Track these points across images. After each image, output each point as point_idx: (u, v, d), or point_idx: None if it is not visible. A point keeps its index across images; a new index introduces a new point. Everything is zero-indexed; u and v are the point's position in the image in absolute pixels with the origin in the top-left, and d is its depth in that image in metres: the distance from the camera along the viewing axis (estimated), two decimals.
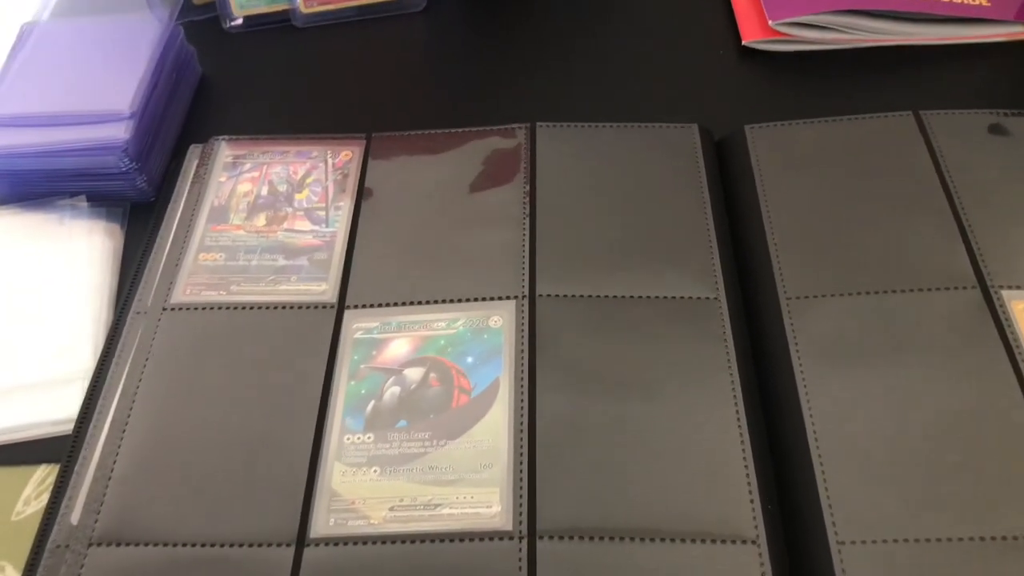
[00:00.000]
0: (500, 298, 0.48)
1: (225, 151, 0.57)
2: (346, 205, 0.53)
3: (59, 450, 0.46)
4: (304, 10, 0.69)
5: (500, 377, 0.45)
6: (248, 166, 0.56)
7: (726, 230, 0.52)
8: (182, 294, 0.50)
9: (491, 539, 0.40)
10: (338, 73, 0.67)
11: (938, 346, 0.45)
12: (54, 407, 0.48)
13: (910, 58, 0.63)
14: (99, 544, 0.41)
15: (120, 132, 0.55)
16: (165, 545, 0.41)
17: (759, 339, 0.47)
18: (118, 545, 0.41)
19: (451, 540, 0.40)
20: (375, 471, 0.42)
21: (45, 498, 0.45)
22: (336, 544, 0.40)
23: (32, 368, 0.49)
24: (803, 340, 0.46)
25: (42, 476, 0.46)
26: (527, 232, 0.51)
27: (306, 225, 0.52)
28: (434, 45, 0.69)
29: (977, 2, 0.64)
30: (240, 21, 0.69)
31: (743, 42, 0.65)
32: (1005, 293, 0.46)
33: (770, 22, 0.63)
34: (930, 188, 0.51)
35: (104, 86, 0.57)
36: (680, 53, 0.66)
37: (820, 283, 0.48)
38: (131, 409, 0.45)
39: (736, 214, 0.53)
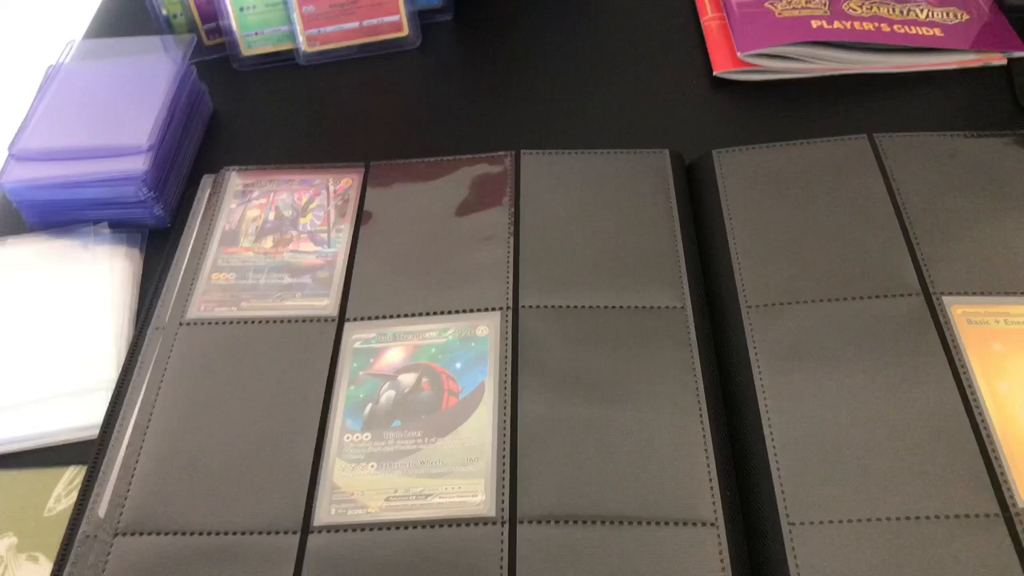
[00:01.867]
0: (486, 309, 0.53)
1: (235, 180, 0.62)
2: (346, 228, 0.58)
3: (86, 453, 0.50)
4: (307, 49, 0.74)
5: (485, 381, 0.50)
6: (256, 194, 0.61)
7: (694, 245, 0.56)
8: (197, 310, 0.54)
9: (476, 524, 0.44)
10: (339, 107, 0.72)
11: (884, 348, 0.49)
12: (81, 414, 0.52)
13: (869, 85, 0.68)
14: (124, 534, 0.45)
15: (139, 164, 0.60)
16: (183, 534, 0.45)
17: (722, 343, 0.52)
18: (141, 534, 0.45)
19: (440, 526, 0.44)
20: (372, 466, 0.47)
21: (74, 496, 0.49)
22: (337, 531, 0.45)
23: (60, 380, 0.54)
24: (761, 344, 0.50)
25: (71, 476, 0.50)
26: (511, 249, 0.55)
27: (310, 247, 0.57)
28: (428, 80, 0.74)
29: (932, 32, 0.68)
30: (250, 60, 0.75)
31: (714, 73, 0.70)
32: (946, 299, 0.51)
33: (739, 53, 0.68)
34: (880, 204, 0.56)
35: (123, 122, 0.62)
36: (656, 83, 0.71)
37: (778, 292, 0.52)
38: (151, 414, 0.50)
39: (703, 230, 0.57)
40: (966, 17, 0.70)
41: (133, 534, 0.45)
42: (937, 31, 0.68)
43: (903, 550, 0.42)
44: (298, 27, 0.73)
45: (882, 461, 0.45)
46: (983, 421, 0.45)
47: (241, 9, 0.72)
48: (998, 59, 0.68)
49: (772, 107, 0.67)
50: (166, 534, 0.45)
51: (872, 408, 0.47)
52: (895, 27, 0.68)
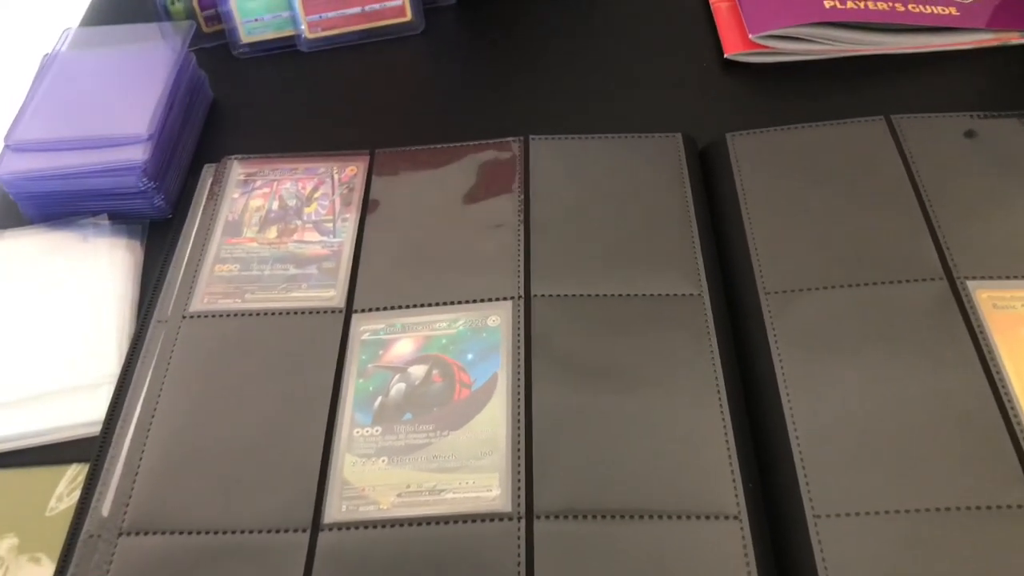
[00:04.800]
0: (497, 299, 0.51)
1: (238, 169, 0.61)
2: (352, 217, 0.57)
3: (88, 450, 0.49)
4: (309, 35, 0.72)
5: (498, 372, 0.48)
6: (259, 183, 0.59)
7: (709, 231, 0.55)
8: (200, 303, 0.53)
9: (491, 520, 0.43)
10: (342, 94, 0.70)
11: (907, 334, 0.48)
12: (82, 411, 0.51)
13: (883, 66, 0.66)
14: (128, 534, 0.44)
15: (138, 154, 0.58)
16: (190, 533, 0.44)
17: (741, 332, 0.50)
18: (146, 534, 0.44)
19: (454, 522, 0.43)
20: (383, 461, 0.46)
21: (76, 495, 0.48)
22: (348, 528, 0.43)
23: (60, 375, 0.53)
24: (781, 331, 0.49)
25: (73, 475, 0.49)
26: (522, 237, 0.54)
27: (315, 236, 0.56)
28: (433, 65, 0.72)
29: (947, 11, 0.67)
30: (250, 47, 0.73)
31: (725, 55, 0.68)
32: (971, 283, 0.49)
33: (750, 35, 0.67)
34: (900, 187, 0.54)
35: (122, 111, 0.61)
36: (667, 67, 0.69)
37: (797, 278, 0.51)
38: (155, 409, 0.48)
39: (719, 216, 0.56)
40: None
41: (138, 534, 0.44)
42: (952, 10, 0.67)
43: (932, 542, 0.41)
44: (299, 13, 0.71)
45: (909, 451, 0.43)
46: (1012, 408, 0.44)
47: None
48: (1015, 38, 0.66)
49: (785, 90, 0.66)
50: (172, 533, 0.44)
51: (897, 396, 0.45)
52: (909, 6, 0.67)
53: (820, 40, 0.66)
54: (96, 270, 0.58)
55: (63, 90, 0.63)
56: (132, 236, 0.60)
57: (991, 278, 0.49)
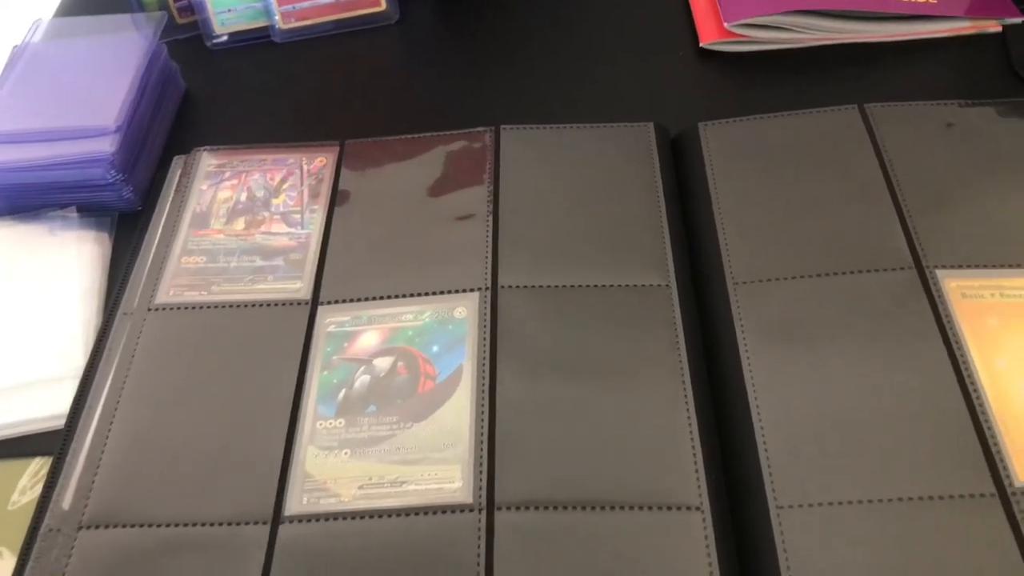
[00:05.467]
0: (465, 291, 0.51)
1: (207, 161, 0.60)
2: (320, 208, 0.56)
3: (53, 444, 0.48)
4: (282, 26, 0.72)
5: (463, 364, 0.48)
6: (228, 174, 0.59)
7: (679, 221, 0.54)
8: (165, 295, 0.53)
9: (453, 512, 0.43)
10: (316, 85, 0.70)
11: (874, 324, 0.47)
12: (47, 404, 0.50)
13: (860, 55, 0.66)
14: (88, 527, 0.44)
15: (106, 146, 0.58)
16: (150, 526, 0.44)
17: (708, 322, 0.50)
18: (106, 527, 0.44)
19: (415, 514, 0.43)
20: (346, 453, 0.45)
21: (40, 488, 0.47)
22: (309, 521, 0.43)
23: (27, 369, 0.52)
24: (748, 321, 0.48)
25: (36, 468, 0.49)
26: (490, 228, 0.54)
27: (282, 228, 0.55)
28: (407, 55, 0.72)
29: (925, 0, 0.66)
30: (223, 38, 0.73)
31: (701, 44, 0.68)
32: (939, 272, 0.49)
33: (726, 24, 0.66)
34: (871, 176, 0.54)
35: (91, 103, 0.60)
36: (643, 56, 0.68)
37: (765, 268, 0.50)
38: (118, 402, 0.48)
39: (689, 206, 0.55)
40: None
41: (98, 527, 0.44)
42: None
43: (895, 532, 0.40)
44: (273, 3, 0.71)
45: (873, 441, 0.43)
46: (978, 399, 0.44)
47: None
48: (993, 26, 0.66)
49: (761, 79, 0.65)
50: (132, 526, 0.44)
51: (863, 386, 0.45)
52: None
53: (796, 28, 0.66)
54: (64, 263, 0.57)
55: (32, 82, 0.63)
56: (101, 229, 0.59)
57: (960, 267, 0.49)
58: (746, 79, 0.66)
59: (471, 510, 0.43)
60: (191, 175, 0.59)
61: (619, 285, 0.50)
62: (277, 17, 0.71)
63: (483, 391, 0.47)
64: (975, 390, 0.44)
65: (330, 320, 0.51)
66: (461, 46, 0.72)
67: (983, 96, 0.58)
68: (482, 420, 0.46)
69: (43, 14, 0.72)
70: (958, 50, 0.66)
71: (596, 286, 0.50)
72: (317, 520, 0.43)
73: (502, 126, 0.60)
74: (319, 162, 0.59)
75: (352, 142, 0.60)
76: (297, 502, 0.44)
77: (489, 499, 0.43)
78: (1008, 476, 0.41)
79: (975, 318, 0.47)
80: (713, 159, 0.56)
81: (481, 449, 0.44)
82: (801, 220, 0.52)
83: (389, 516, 0.43)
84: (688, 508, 0.42)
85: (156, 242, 0.56)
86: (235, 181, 0.58)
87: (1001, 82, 0.63)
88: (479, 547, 0.41)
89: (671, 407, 0.45)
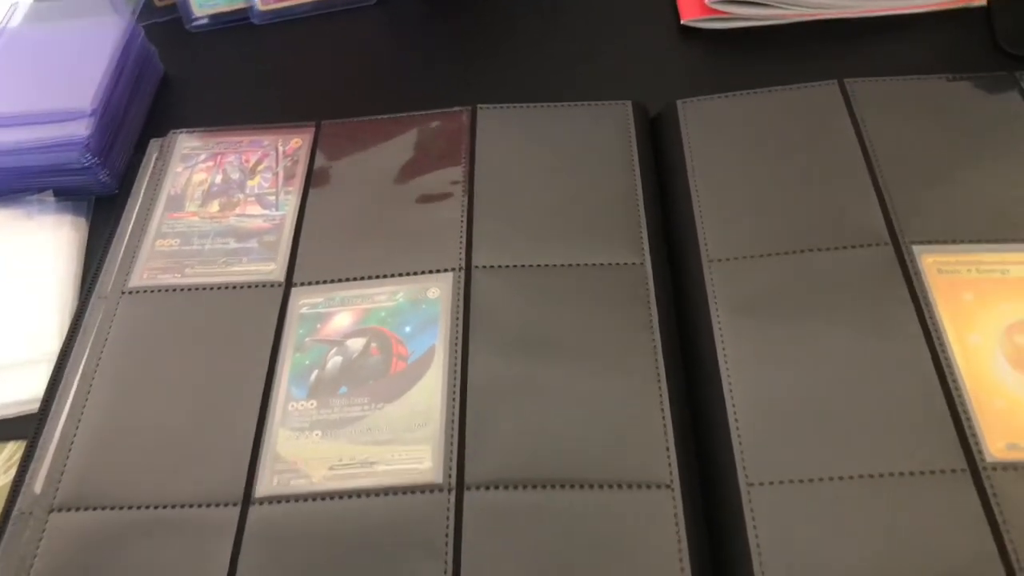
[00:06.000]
0: (438, 271, 0.51)
1: (183, 143, 0.60)
2: (295, 189, 0.56)
3: (26, 428, 0.48)
4: (261, 7, 0.71)
5: (436, 344, 0.48)
6: (203, 156, 0.59)
7: (656, 200, 0.54)
8: (139, 279, 0.52)
9: (422, 492, 0.42)
10: (296, 67, 0.69)
11: (849, 301, 0.47)
12: (22, 388, 0.50)
13: (843, 31, 0.65)
14: (59, 510, 0.44)
15: (81, 129, 0.57)
16: (121, 508, 0.43)
17: (683, 301, 0.49)
18: (77, 510, 0.44)
19: (385, 494, 0.43)
20: (317, 434, 0.45)
21: (13, 473, 0.47)
22: (279, 502, 0.43)
23: (1, 353, 0.52)
24: (723, 300, 0.48)
25: (10, 453, 0.49)
26: (465, 208, 0.53)
27: (257, 210, 0.55)
28: (387, 37, 0.71)
29: None
30: (203, 21, 0.72)
31: (682, 21, 0.67)
32: (916, 248, 0.48)
33: (707, 1, 0.65)
34: (849, 152, 0.53)
35: (66, 86, 0.60)
36: (624, 34, 0.68)
37: (741, 245, 0.50)
38: (91, 385, 0.48)
39: (666, 184, 0.55)
40: None
41: (69, 510, 0.44)
42: None
43: (867, 509, 0.40)
44: None
45: (846, 418, 0.43)
46: (952, 374, 0.43)
47: None
48: (977, 0, 0.65)
49: (743, 56, 0.65)
50: (103, 509, 0.44)
51: (836, 363, 0.45)
52: None
53: (777, 4, 0.65)
54: (40, 247, 0.57)
55: (7, 65, 0.62)
56: (77, 213, 0.59)
57: (937, 243, 0.49)
58: (728, 57, 0.65)
59: (440, 490, 0.42)
60: (167, 158, 0.59)
61: (594, 264, 0.50)
62: None
63: (455, 371, 0.46)
64: (948, 366, 0.44)
65: (303, 302, 0.50)
66: (440, 27, 0.71)
67: (967, 71, 0.58)
68: (453, 400, 0.45)
69: None
70: (942, 25, 0.65)
71: (571, 265, 0.50)
72: (287, 501, 0.43)
73: (479, 105, 0.59)
74: (294, 143, 0.59)
75: (328, 123, 0.60)
76: (267, 483, 0.44)
77: (459, 479, 0.43)
78: (980, 452, 0.41)
79: (951, 294, 0.46)
80: (691, 136, 0.56)
81: (452, 429, 0.44)
82: (778, 197, 0.52)
83: (359, 496, 0.43)
84: (658, 486, 0.42)
85: (131, 225, 0.56)
86: (211, 163, 0.58)
87: (986, 57, 0.62)
88: (447, 527, 0.41)
89: (644, 385, 0.45)
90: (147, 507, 0.43)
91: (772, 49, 0.65)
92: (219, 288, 0.51)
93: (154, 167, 0.59)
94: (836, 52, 0.64)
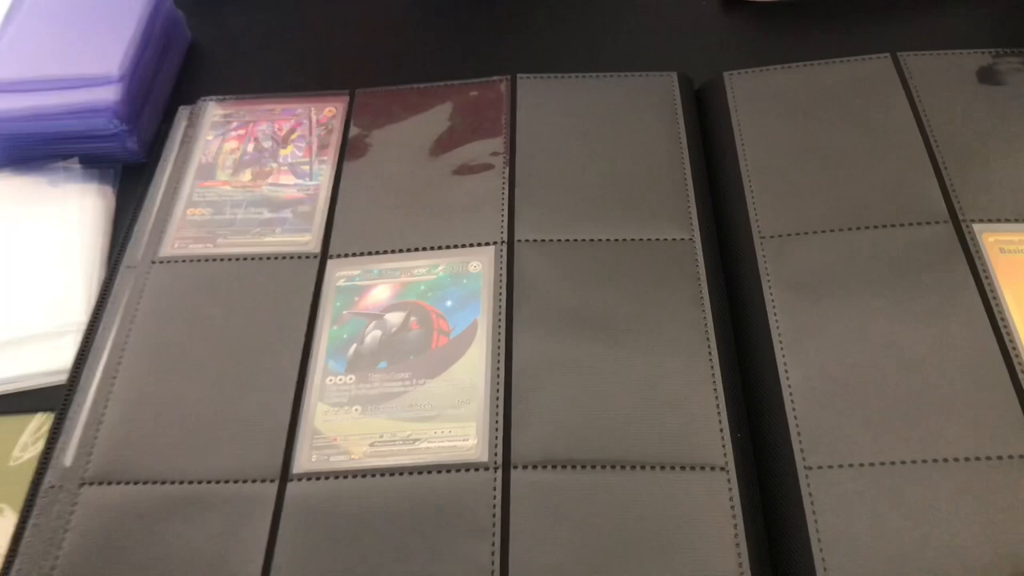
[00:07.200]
0: (479, 244, 0.49)
1: (213, 111, 0.58)
2: (329, 159, 0.54)
3: (55, 399, 0.47)
4: None
5: (478, 319, 0.46)
6: (235, 124, 0.57)
7: (703, 173, 0.52)
8: (170, 248, 0.51)
9: (467, 470, 0.41)
10: (325, 33, 0.67)
11: (908, 279, 0.45)
12: (49, 359, 0.49)
13: (892, 2, 0.63)
14: (91, 483, 0.42)
15: (110, 95, 0.56)
16: (154, 483, 0.42)
17: (733, 277, 0.48)
18: (109, 484, 0.42)
19: (428, 472, 0.41)
20: (356, 410, 0.44)
21: (41, 444, 0.46)
22: (318, 479, 0.42)
23: (28, 323, 0.51)
24: (776, 277, 0.46)
25: (38, 424, 0.47)
26: (507, 180, 0.52)
27: (290, 179, 0.54)
28: (421, 3, 0.69)
29: None
30: None
31: None
32: (976, 227, 0.47)
33: None
34: (905, 128, 0.51)
35: (94, 51, 0.58)
36: (665, 6, 0.66)
37: (794, 222, 0.48)
38: (121, 357, 0.47)
39: (714, 158, 0.53)
40: None
41: (100, 483, 0.42)
42: None
43: (928, 495, 0.38)
44: None
45: (906, 400, 0.41)
46: (1018, 356, 0.42)
47: None
48: None
49: (787, 27, 0.63)
50: (135, 483, 0.42)
51: (895, 344, 0.43)
52: None
53: None
54: (66, 216, 0.55)
55: (34, 30, 0.61)
56: (104, 181, 0.58)
57: (998, 221, 0.47)
58: (772, 28, 0.63)
59: (486, 468, 0.41)
60: (197, 126, 0.57)
61: (640, 239, 0.48)
62: None
63: (499, 347, 0.45)
64: (1014, 348, 0.42)
65: (340, 274, 0.49)
66: None
67: (1021, 45, 0.56)
68: (497, 377, 0.44)
69: None
70: None
71: (616, 240, 0.48)
72: (327, 478, 0.42)
73: (519, 75, 0.57)
74: (328, 112, 0.57)
75: (362, 92, 0.58)
76: (306, 459, 0.42)
77: (505, 457, 0.41)
78: None
79: (1014, 273, 0.45)
80: (739, 109, 0.54)
81: (496, 407, 0.43)
82: (831, 172, 0.50)
83: (401, 474, 0.41)
84: (712, 468, 0.40)
85: (161, 194, 0.54)
86: (242, 131, 0.56)
87: None
88: (495, 505, 0.40)
89: (694, 364, 0.43)
90: (182, 482, 0.42)
91: (818, 21, 0.63)
92: (253, 259, 0.50)
93: (184, 135, 0.57)
94: (885, 25, 0.62)
